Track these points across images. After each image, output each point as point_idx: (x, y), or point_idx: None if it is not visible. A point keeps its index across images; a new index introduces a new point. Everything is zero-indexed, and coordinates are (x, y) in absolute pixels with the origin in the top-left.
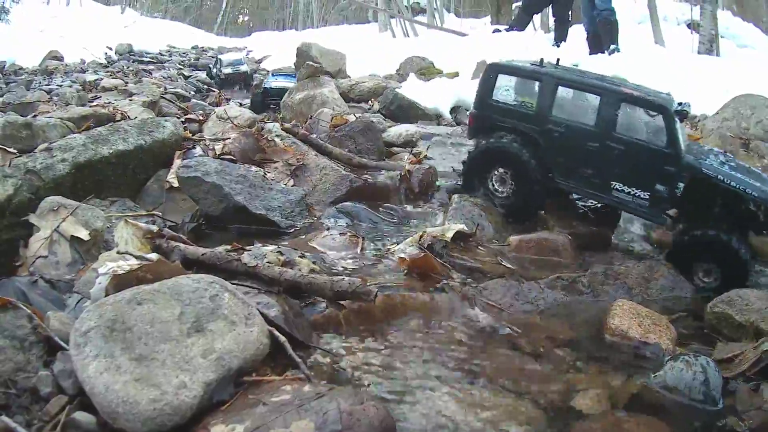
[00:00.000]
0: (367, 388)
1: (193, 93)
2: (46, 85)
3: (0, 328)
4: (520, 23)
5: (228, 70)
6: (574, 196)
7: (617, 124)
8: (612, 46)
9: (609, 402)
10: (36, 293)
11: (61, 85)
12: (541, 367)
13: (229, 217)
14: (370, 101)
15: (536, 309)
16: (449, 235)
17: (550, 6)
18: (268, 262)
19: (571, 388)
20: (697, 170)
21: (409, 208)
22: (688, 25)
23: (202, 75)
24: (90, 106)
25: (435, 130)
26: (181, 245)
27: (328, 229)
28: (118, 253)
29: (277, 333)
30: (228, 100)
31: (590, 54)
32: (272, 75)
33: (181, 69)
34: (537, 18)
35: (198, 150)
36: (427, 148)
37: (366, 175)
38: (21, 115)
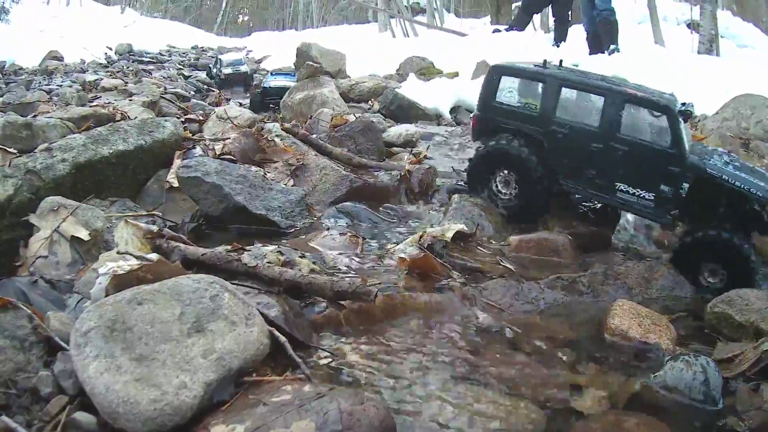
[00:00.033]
0: (367, 388)
1: (193, 93)
2: (46, 85)
3: (0, 328)
4: (519, 23)
5: (228, 71)
6: (577, 196)
7: (621, 125)
8: (612, 46)
9: (609, 402)
10: (36, 293)
11: (61, 85)
12: (541, 367)
13: (229, 217)
14: (370, 101)
15: (536, 309)
16: (449, 235)
17: (550, 6)
18: (268, 263)
19: (571, 388)
20: (702, 170)
21: (409, 208)
22: (688, 25)
23: (202, 75)
24: (90, 106)
25: (435, 130)
26: (181, 245)
27: (328, 229)
28: (118, 253)
29: (277, 333)
30: (228, 100)
31: (590, 54)
32: (271, 74)
33: (180, 69)
34: (537, 18)
35: (198, 150)
36: (427, 148)
37: (366, 175)
38: (21, 115)
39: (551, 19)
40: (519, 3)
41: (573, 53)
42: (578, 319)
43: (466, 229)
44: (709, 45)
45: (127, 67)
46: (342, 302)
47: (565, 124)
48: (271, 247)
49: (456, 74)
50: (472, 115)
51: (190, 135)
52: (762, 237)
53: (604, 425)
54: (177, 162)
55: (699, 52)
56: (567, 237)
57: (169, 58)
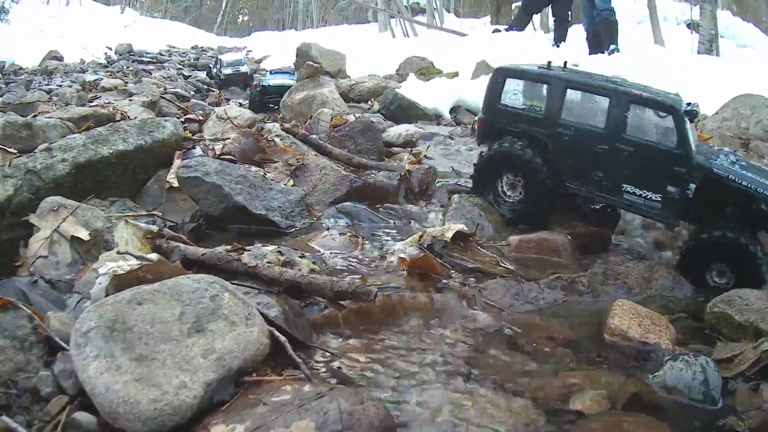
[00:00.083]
0: (367, 388)
1: (192, 93)
2: (45, 85)
3: (0, 328)
4: (519, 23)
5: (228, 71)
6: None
7: (627, 126)
8: (612, 46)
9: (608, 402)
10: (36, 293)
11: (60, 85)
12: (541, 367)
13: (229, 217)
14: (369, 101)
15: (536, 309)
16: (449, 235)
17: (550, 6)
18: (268, 263)
19: (570, 388)
20: (708, 170)
21: (409, 208)
22: (688, 25)
23: (202, 75)
24: (90, 106)
25: (435, 130)
26: (181, 245)
27: (328, 229)
28: (118, 253)
29: (277, 333)
30: (228, 100)
31: (590, 54)
32: (270, 73)
33: (180, 69)
34: (537, 18)
35: (198, 150)
36: (427, 148)
37: (366, 176)
38: (21, 115)
39: (551, 19)
40: (519, 3)
41: (573, 53)
42: (578, 319)
43: (466, 229)
44: (709, 45)
45: (127, 67)
46: (342, 302)
47: (570, 126)
48: (271, 247)
49: (456, 74)
50: (476, 117)
51: (190, 135)
52: None
53: (604, 425)
54: (177, 162)
55: (699, 52)
56: (567, 237)
57: (169, 58)
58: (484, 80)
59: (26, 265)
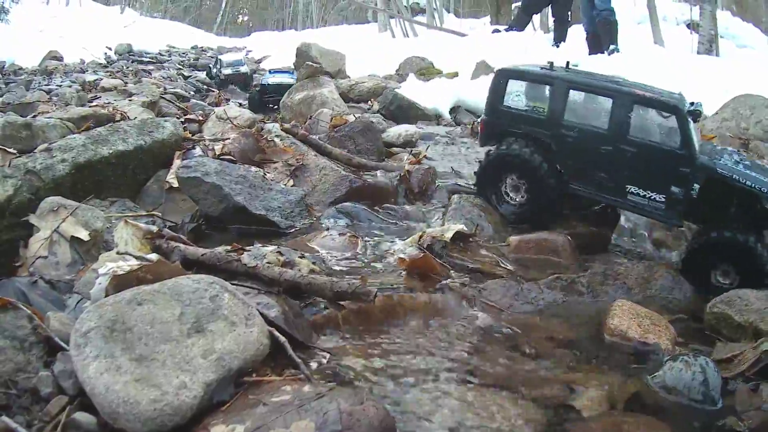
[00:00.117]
0: (367, 388)
1: (192, 93)
2: (45, 85)
3: (0, 328)
4: (519, 23)
5: (228, 71)
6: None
7: (630, 127)
8: (611, 47)
9: (608, 402)
10: (36, 294)
11: (60, 86)
12: (541, 368)
13: (229, 218)
14: (369, 101)
15: (536, 309)
16: (448, 235)
17: (550, 6)
18: (267, 263)
19: (570, 389)
20: (712, 171)
21: (408, 208)
22: (688, 26)
23: (202, 75)
24: (89, 107)
25: (434, 131)
26: (181, 246)
27: (327, 229)
28: (117, 253)
29: (277, 333)
30: (227, 100)
31: (590, 54)
32: (270, 72)
33: (180, 69)
34: (536, 18)
35: (198, 150)
36: (427, 149)
37: (365, 176)
38: (21, 116)
39: (551, 20)
40: (519, 3)
41: (573, 53)
42: (577, 320)
43: (466, 229)
44: (709, 45)
45: (127, 67)
46: (342, 303)
47: (573, 127)
48: (270, 248)
49: (456, 74)
50: (479, 119)
51: (189, 135)
52: None
53: (604, 425)
54: (177, 162)
55: (698, 53)
56: (566, 237)
57: (169, 58)
58: (484, 80)
59: (26, 265)
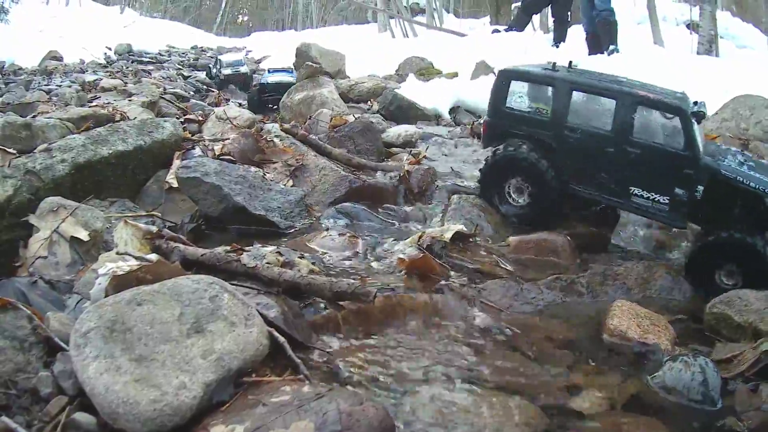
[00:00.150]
0: (366, 388)
1: (192, 93)
2: (45, 85)
3: (0, 328)
4: (519, 24)
5: (228, 71)
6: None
7: (634, 128)
8: (611, 47)
9: (608, 402)
10: (36, 294)
11: (60, 86)
12: (540, 368)
13: (229, 218)
14: (369, 102)
15: (535, 310)
16: (448, 235)
17: (550, 6)
18: (267, 263)
19: (569, 389)
20: (716, 172)
21: (408, 208)
22: (688, 26)
23: (202, 75)
24: (89, 107)
25: (434, 131)
26: (181, 246)
27: (327, 229)
28: (117, 253)
29: (276, 334)
30: (227, 100)
31: (589, 54)
32: (269, 71)
33: (180, 69)
34: (536, 18)
35: (197, 150)
36: (426, 149)
37: (365, 176)
38: (20, 116)
39: (551, 20)
40: (518, 3)
41: (572, 54)
42: (577, 320)
43: (465, 229)
44: (709, 45)
45: (127, 68)
46: (341, 303)
47: (576, 129)
48: (270, 248)
49: (455, 75)
50: (482, 121)
51: (189, 135)
52: None
53: (603, 425)
54: (176, 162)
55: (698, 53)
56: (566, 237)
57: (169, 59)
58: (484, 80)
59: (26, 265)
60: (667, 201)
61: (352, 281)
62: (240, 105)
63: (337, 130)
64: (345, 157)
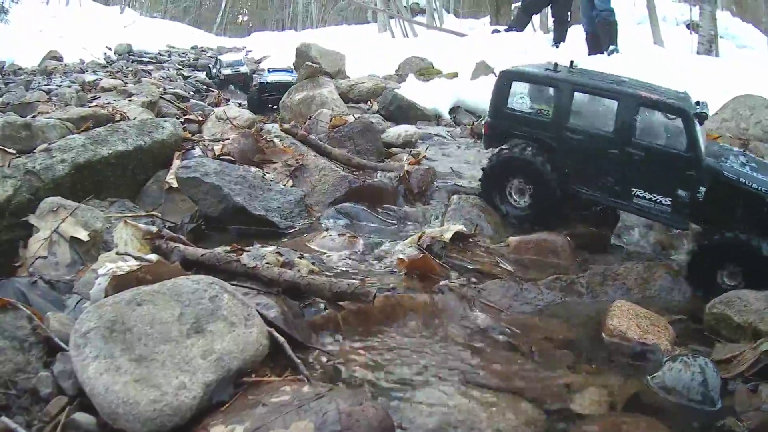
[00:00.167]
0: (366, 388)
1: (192, 93)
2: (45, 85)
3: (0, 328)
4: (519, 24)
5: (228, 72)
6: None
7: (636, 129)
8: (611, 47)
9: (607, 402)
10: (35, 294)
11: (60, 86)
12: (540, 368)
13: (229, 218)
14: (369, 102)
15: (535, 310)
16: (448, 235)
17: (550, 6)
18: (267, 263)
19: (569, 389)
20: (718, 173)
21: (407, 208)
22: (688, 26)
23: (202, 75)
24: (89, 107)
25: (434, 131)
26: (181, 246)
27: (327, 229)
28: (117, 253)
29: (276, 334)
30: (227, 100)
31: (589, 54)
32: (268, 71)
33: (180, 69)
34: (536, 18)
35: (197, 151)
36: (426, 149)
37: (365, 176)
38: (20, 116)
39: (550, 20)
40: (518, 3)
41: (572, 54)
42: (577, 320)
43: (465, 229)
44: (709, 45)
45: (127, 68)
46: (341, 303)
47: (578, 130)
48: (270, 248)
49: (455, 75)
50: (483, 122)
51: (189, 135)
52: None
53: (603, 426)
54: (176, 162)
55: (698, 53)
56: (566, 238)
57: (169, 59)
58: (484, 81)
59: (25, 265)
60: (669, 202)
61: (352, 281)
62: (240, 105)
63: (336, 130)
64: (345, 157)
